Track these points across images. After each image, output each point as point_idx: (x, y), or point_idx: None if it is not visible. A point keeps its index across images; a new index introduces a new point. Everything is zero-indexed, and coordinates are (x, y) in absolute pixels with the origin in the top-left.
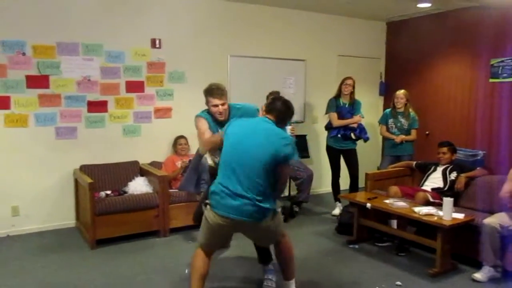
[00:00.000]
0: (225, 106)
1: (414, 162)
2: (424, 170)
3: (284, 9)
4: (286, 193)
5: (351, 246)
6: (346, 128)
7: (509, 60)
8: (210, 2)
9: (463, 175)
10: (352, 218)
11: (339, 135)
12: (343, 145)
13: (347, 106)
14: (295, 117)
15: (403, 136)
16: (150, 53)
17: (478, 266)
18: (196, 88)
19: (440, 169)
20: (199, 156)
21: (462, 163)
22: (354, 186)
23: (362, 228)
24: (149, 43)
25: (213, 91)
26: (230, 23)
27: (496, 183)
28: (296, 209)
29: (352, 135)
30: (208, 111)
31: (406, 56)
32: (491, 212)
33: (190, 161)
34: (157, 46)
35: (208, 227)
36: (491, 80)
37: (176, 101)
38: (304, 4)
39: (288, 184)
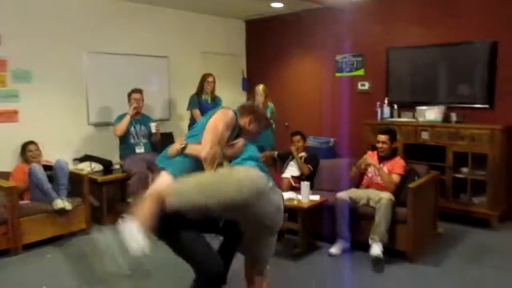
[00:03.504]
0: None
1: (276, 152)
2: (284, 159)
3: (143, 5)
4: None
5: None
6: None
7: (350, 56)
8: None
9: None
10: None
11: None
12: None
13: (209, 102)
14: (160, 115)
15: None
16: None
17: (334, 242)
18: (47, 88)
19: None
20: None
21: (314, 153)
22: None
23: None
24: None
25: None
26: (86, 18)
27: (342, 165)
28: None
29: None
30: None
31: (265, 53)
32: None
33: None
34: None
35: None
36: (337, 75)
37: (23, 103)
38: (164, 1)
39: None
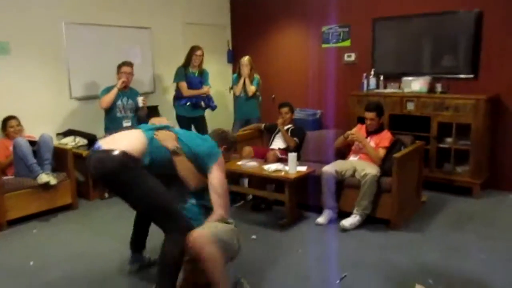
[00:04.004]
0: None
1: (263, 124)
2: (271, 131)
3: None
4: None
5: None
6: (196, 97)
7: (336, 27)
8: None
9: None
10: None
11: (188, 104)
12: (193, 113)
13: (196, 75)
14: (145, 88)
15: (253, 88)
16: None
17: (321, 212)
18: (26, 61)
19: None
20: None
21: (300, 126)
22: None
23: None
24: None
25: None
26: None
27: (329, 137)
28: None
29: (202, 104)
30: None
31: (251, 24)
32: (329, 162)
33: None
34: None
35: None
36: (323, 46)
37: (1, 76)
38: None
39: None
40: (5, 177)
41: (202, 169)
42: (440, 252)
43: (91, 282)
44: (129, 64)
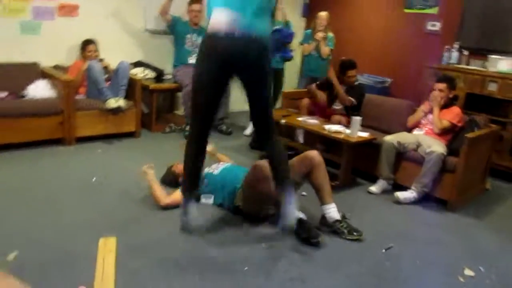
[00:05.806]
0: None
1: (314, 84)
2: (323, 88)
3: None
4: None
5: None
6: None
7: None
8: None
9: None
10: None
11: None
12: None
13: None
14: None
15: (321, 34)
16: None
17: (374, 181)
18: None
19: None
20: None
21: (360, 86)
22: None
23: None
24: None
25: None
26: None
27: (396, 106)
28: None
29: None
30: None
31: None
32: (391, 132)
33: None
34: None
35: None
36: (405, 10)
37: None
38: None
39: None
40: (77, 96)
41: None
42: (497, 242)
43: (146, 204)
44: (198, 1)
